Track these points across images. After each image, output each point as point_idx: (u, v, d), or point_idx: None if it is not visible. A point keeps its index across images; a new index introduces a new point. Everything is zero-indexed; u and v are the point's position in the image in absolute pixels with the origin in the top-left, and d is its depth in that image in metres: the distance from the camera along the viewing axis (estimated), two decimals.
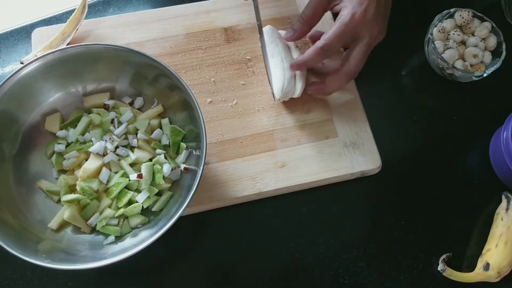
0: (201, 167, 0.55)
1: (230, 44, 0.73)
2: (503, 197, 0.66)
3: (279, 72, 0.67)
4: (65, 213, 0.58)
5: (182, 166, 0.61)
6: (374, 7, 0.60)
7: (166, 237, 0.52)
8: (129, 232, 0.59)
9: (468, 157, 0.71)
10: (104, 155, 0.61)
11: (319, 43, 0.62)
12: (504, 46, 0.70)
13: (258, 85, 0.71)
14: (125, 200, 0.59)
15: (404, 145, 0.71)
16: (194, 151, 0.61)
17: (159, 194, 0.61)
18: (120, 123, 0.63)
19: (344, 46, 0.67)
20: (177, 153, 0.63)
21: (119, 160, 0.61)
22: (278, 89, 0.67)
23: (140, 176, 0.59)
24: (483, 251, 0.63)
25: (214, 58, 0.72)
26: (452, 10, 0.72)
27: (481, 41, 0.71)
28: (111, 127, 0.63)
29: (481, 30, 0.71)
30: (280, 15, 0.75)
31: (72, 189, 0.60)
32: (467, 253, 0.65)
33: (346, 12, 0.61)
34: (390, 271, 0.63)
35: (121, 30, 0.73)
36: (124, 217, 0.60)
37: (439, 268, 0.62)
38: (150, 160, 0.62)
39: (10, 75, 0.58)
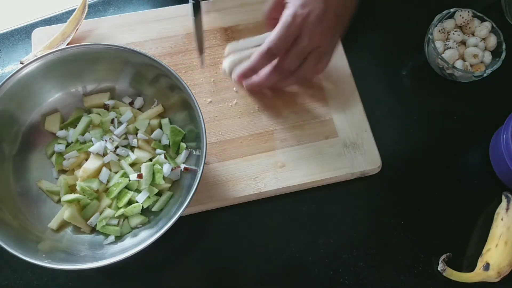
0: (201, 167, 0.55)
1: None
2: (503, 197, 0.66)
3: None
4: (65, 213, 0.58)
5: (182, 166, 0.61)
6: (319, 14, 0.58)
7: (166, 237, 0.52)
8: (129, 232, 0.59)
9: (468, 157, 0.71)
10: (104, 155, 0.61)
11: (263, 46, 0.61)
12: (504, 46, 0.70)
13: None
14: (125, 200, 0.59)
15: (404, 145, 0.71)
16: (194, 151, 0.61)
17: (159, 194, 0.61)
18: (120, 123, 0.63)
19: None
20: (177, 153, 0.63)
21: (119, 160, 0.61)
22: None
23: (140, 176, 0.59)
24: (483, 251, 0.63)
25: (214, 58, 0.72)
26: (452, 10, 0.72)
27: (481, 41, 0.71)
28: (111, 127, 0.63)
29: (481, 30, 0.71)
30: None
31: (72, 189, 0.60)
32: (467, 253, 0.65)
33: (288, 13, 0.59)
34: (390, 271, 0.63)
35: (121, 30, 0.73)
36: (124, 217, 0.60)
37: (439, 268, 0.62)
38: (150, 160, 0.62)
39: (10, 75, 0.58)
